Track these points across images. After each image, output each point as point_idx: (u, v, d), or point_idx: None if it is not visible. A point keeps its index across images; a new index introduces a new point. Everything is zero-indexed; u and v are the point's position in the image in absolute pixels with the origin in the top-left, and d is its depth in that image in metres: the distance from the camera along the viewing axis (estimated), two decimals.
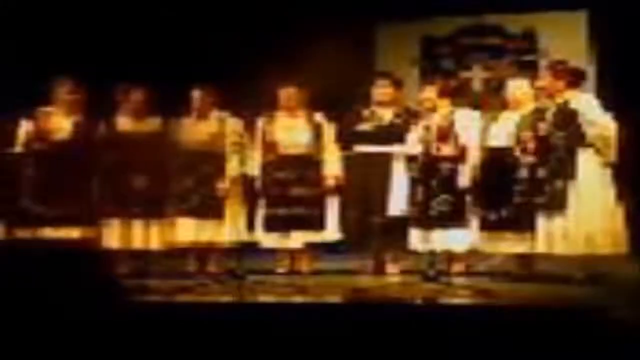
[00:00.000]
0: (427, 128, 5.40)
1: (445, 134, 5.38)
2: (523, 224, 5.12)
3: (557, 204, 4.95)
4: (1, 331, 3.42)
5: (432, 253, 4.92)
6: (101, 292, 3.66)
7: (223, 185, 5.62)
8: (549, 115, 5.11)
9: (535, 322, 3.81)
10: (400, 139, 5.55)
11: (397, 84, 5.79)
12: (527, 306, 4.22)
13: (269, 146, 5.69)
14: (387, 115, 5.68)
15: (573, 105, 5.01)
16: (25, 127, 5.62)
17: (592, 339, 3.65)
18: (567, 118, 5.01)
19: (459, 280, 4.94)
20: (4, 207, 5.53)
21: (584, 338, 3.67)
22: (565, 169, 4.97)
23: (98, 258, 4.07)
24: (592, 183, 4.95)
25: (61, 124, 5.66)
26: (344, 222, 5.67)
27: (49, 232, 5.47)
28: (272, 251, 5.76)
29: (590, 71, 6.76)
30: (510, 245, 5.27)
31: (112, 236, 5.59)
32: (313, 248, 5.77)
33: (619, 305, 4.01)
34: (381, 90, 5.69)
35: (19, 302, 3.46)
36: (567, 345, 3.65)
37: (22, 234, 5.46)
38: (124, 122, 5.77)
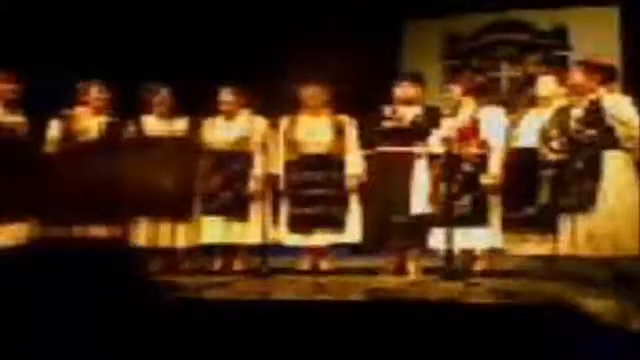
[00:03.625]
0: (452, 127, 5.40)
1: (470, 133, 5.34)
2: (548, 224, 5.05)
3: (584, 205, 4.87)
4: (36, 331, 3.48)
5: (454, 252, 4.90)
6: (137, 291, 3.72)
7: (252, 185, 5.68)
8: (579, 114, 5.02)
9: (556, 321, 3.78)
10: (423, 138, 5.52)
11: (421, 83, 5.75)
12: (549, 306, 4.18)
13: (292, 146, 5.71)
14: (410, 114, 5.65)
15: (604, 103, 4.92)
16: (55, 128, 5.73)
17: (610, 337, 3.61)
18: (598, 117, 4.92)
19: (480, 280, 4.91)
20: (37, 207, 5.63)
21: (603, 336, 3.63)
22: (594, 169, 4.87)
23: (132, 257, 4.13)
24: (620, 184, 4.85)
25: (90, 124, 5.77)
26: (366, 221, 5.66)
27: (79, 231, 5.57)
28: (295, 250, 5.79)
29: (622, 68, 6.66)
30: (534, 246, 5.20)
31: (140, 235, 5.67)
32: (336, 247, 5.78)
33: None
34: (404, 89, 5.66)
35: (54, 302, 3.52)
36: (587, 343, 3.62)
37: (55, 232, 5.56)
38: (152, 123, 5.84)
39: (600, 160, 4.89)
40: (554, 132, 5.11)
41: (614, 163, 4.88)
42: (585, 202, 4.88)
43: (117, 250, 4.10)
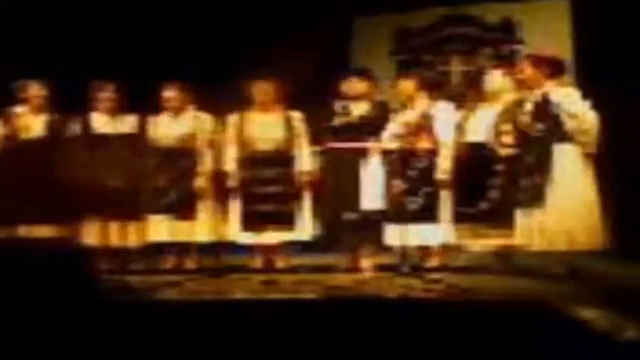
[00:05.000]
0: (404, 122, 5.38)
1: (422, 128, 5.34)
2: (500, 218, 5.08)
3: (535, 199, 4.88)
4: None
5: (407, 248, 4.88)
6: (84, 291, 3.64)
7: (198, 182, 5.61)
8: (528, 108, 5.03)
9: (511, 316, 3.77)
10: (374, 133, 5.49)
11: (369, 78, 5.72)
12: (504, 301, 4.18)
13: (242, 143, 5.64)
14: (359, 110, 5.63)
15: (553, 97, 4.93)
16: None
17: (567, 333, 3.61)
18: (547, 110, 4.93)
19: (434, 276, 4.90)
20: None
21: (559, 332, 3.63)
22: (545, 163, 4.89)
23: (79, 257, 4.05)
24: (571, 177, 4.87)
25: (31, 122, 5.67)
26: (319, 218, 5.63)
27: (24, 231, 5.48)
28: (248, 248, 5.71)
29: (571, 62, 6.71)
30: (487, 240, 5.22)
31: (89, 234, 5.57)
32: (289, 245, 5.73)
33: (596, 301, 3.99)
34: (352, 85, 5.63)
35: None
36: (543, 339, 3.62)
37: None
38: (97, 120, 5.74)
39: (550, 154, 4.90)
40: (505, 127, 5.12)
41: (564, 156, 4.90)
42: (536, 196, 4.89)
43: (63, 249, 4.02)
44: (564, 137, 4.89)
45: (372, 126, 5.53)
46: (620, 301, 4.00)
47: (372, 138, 5.47)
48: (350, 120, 5.60)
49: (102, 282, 4.11)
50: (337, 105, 5.65)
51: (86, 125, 5.71)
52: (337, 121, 5.62)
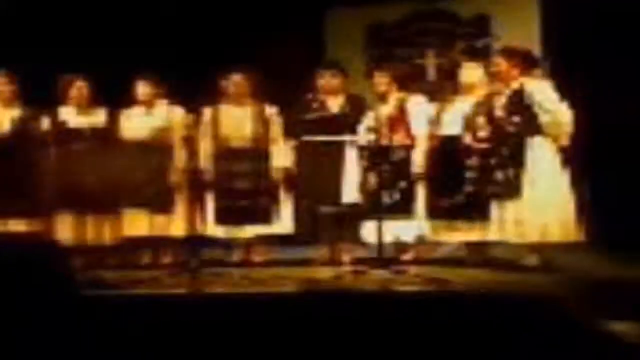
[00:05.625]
0: (378, 117, 5.39)
1: (397, 122, 5.35)
2: (475, 212, 5.10)
3: (509, 192, 4.91)
4: None
5: (383, 242, 4.89)
6: (56, 286, 3.61)
7: (174, 177, 5.58)
8: (502, 102, 5.06)
9: (487, 308, 3.80)
10: (349, 127, 5.48)
11: (342, 72, 5.72)
12: (480, 293, 4.21)
13: (217, 137, 5.62)
14: (334, 104, 5.63)
15: (526, 91, 4.96)
16: None
17: (543, 326, 3.65)
18: (521, 104, 4.96)
19: (410, 269, 4.92)
20: None
21: (536, 325, 3.66)
22: (518, 156, 4.92)
23: (52, 252, 4.01)
24: (545, 170, 4.90)
25: (1, 117, 5.59)
26: (297, 213, 5.62)
27: None
28: (226, 243, 5.70)
29: (542, 55, 6.77)
30: (462, 233, 5.25)
31: (64, 230, 5.51)
32: (267, 239, 5.72)
33: (571, 293, 4.03)
34: (325, 79, 5.63)
35: None
36: (519, 332, 3.65)
37: None
38: (69, 114, 5.68)
39: (524, 147, 4.93)
40: (479, 121, 5.14)
41: (540, 150, 4.93)
42: (510, 190, 4.93)
43: (35, 245, 3.99)
44: (538, 130, 4.92)
45: (347, 120, 5.53)
46: (594, 293, 4.08)
47: (347, 132, 5.45)
48: (325, 115, 5.60)
49: (75, 277, 4.08)
50: (312, 100, 5.64)
51: (57, 119, 5.64)
52: (312, 115, 5.61)
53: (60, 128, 5.62)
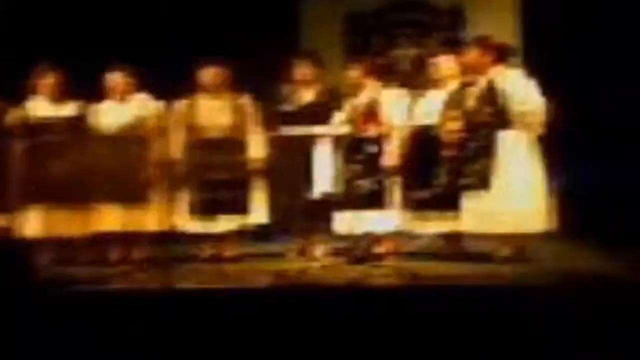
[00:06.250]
0: (353, 108, 5.36)
1: (371, 113, 5.33)
2: (449, 203, 5.08)
3: (482, 183, 4.90)
4: None
5: (357, 235, 4.88)
6: (19, 283, 3.57)
7: (148, 170, 5.51)
8: (475, 92, 5.05)
9: (461, 301, 3.80)
10: (324, 119, 5.45)
11: (318, 62, 5.68)
12: (454, 286, 4.21)
13: (192, 129, 5.56)
14: (309, 95, 5.60)
15: (500, 81, 4.95)
16: None
17: (519, 316, 3.65)
18: (494, 95, 4.94)
19: (385, 262, 4.91)
20: None
21: (511, 316, 3.66)
22: (492, 147, 4.91)
23: (13, 248, 3.97)
24: (518, 160, 4.89)
25: None
26: (271, 205, 5.58)
27: None
28: (197, 237, 5.65)
29: (518, 46, 6.76)
30: (436, 225, 5.24)
31: (32, 225, 5.43)
32: (239, 233, 5.66)
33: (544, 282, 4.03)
34: (302, 70, 5.59)
35: None
36: (494, 324, 3.65)
37: None
38: (39, 106, 5.61)
39: (496, 138, 4.92)
40: (452, 112, 5.12)
41: (513, 141, 4.92)
42: (483, 180, 4.92)
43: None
44: (511, 121, 4.90)
45: (322, 111, 5.49)
46: (568, 282, 4.08)
47: (322, 124, 5.41)
48: (300, 106, 5.57)
49: (38, 273, 4.04)
50: (288, 91, 5.61)
51: (26, 112, 5.57)
52: (287, 107, 5.58)
53: (30, 119, 5.54)
